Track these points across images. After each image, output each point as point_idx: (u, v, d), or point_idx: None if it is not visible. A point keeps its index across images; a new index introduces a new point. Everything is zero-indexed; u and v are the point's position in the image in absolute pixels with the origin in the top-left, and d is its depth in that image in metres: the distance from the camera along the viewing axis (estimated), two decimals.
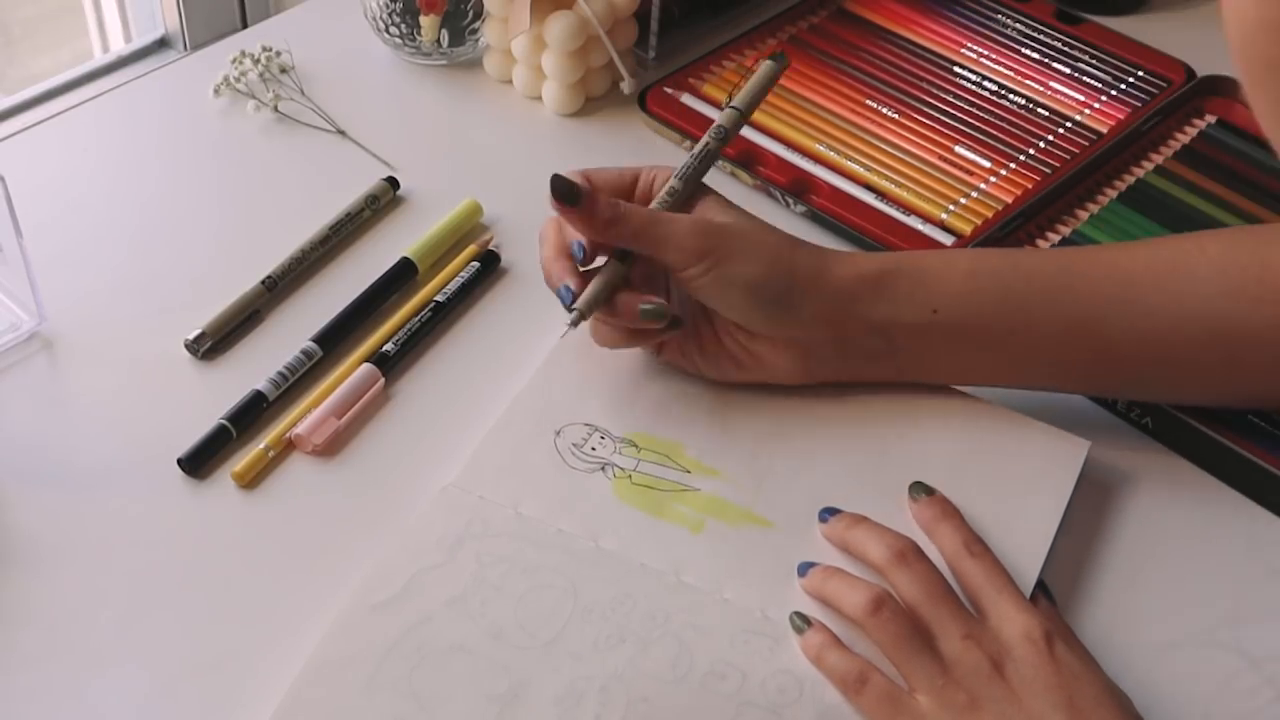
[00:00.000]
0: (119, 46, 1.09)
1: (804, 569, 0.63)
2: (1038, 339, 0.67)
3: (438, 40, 0.93)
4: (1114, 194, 0.86)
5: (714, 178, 0.87)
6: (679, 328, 0.68)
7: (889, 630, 0.59)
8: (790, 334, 0.67)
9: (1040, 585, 0.63)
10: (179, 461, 0.68)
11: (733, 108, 0.70)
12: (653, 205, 0.67)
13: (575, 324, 0.65)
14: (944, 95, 0.92)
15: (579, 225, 0.66)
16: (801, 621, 0.61)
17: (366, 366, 0.73)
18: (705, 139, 0.69)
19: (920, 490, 0.66)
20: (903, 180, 0.85)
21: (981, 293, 0.67)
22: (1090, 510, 0.68)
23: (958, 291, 0.67)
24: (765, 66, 0.70)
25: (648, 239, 0.65)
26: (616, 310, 0.66)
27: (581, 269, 0.67)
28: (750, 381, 0.70)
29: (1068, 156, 0.88)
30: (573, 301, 0.65)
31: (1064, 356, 0.68)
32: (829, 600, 0.62)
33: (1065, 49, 0.97)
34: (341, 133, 0.89)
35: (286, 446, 0.69)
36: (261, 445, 0.69)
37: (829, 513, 0.65)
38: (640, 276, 0.68)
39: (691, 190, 0.68)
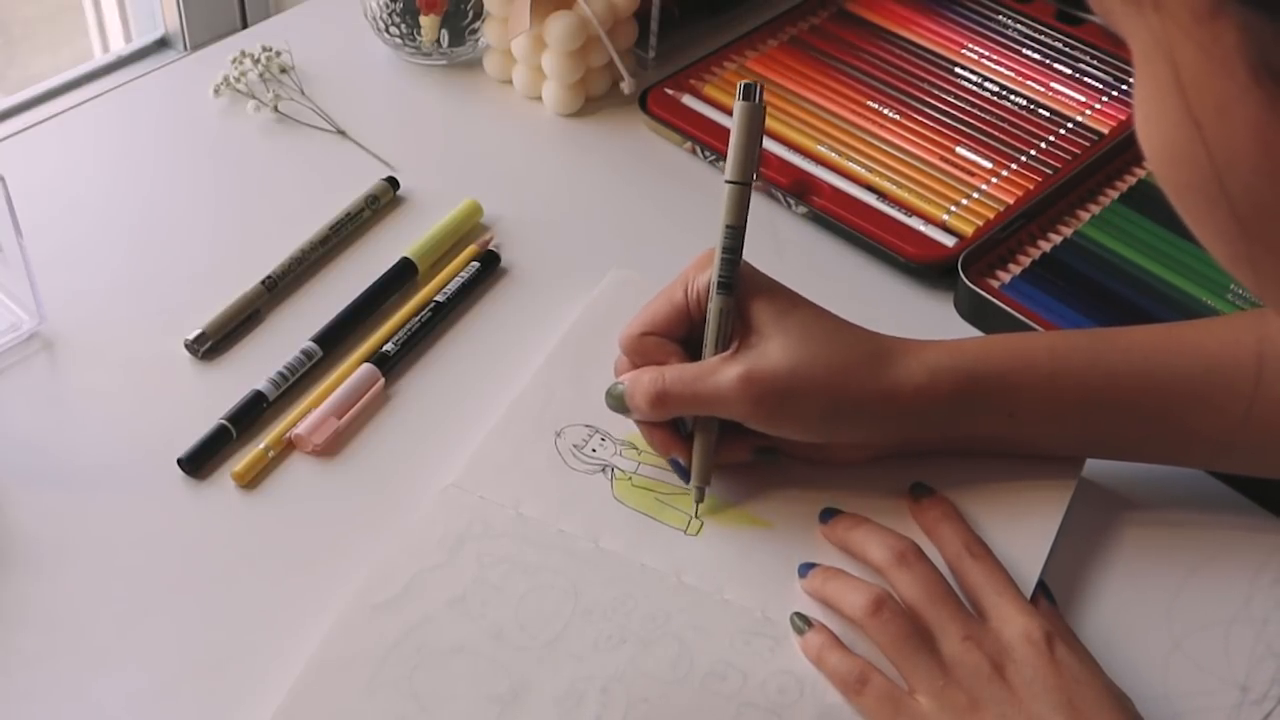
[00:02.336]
0: (119, 46, 1.09)
1: (804, 570, 0.63)
2: (1116, 433, 0.66)
3: (438, 40, 0.93)
4: (1115, 195, 0.86)
5: (715, 179, 0.87)
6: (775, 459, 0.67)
7: (889, 631, 0.59)
8: (858, 446, 0.67)
9: (1041, 586, 0.63)
10: (179, 461, 0.68)
11: (731, 182, 0.64)
12: (710, 328, 0.64)
13: (701, 499, 0.66)
14: (945, 96, 0.92)
15: (638, 424, 0.66)
16: (802, 622, 0.61)
17: (366, 366, 0.73)
18: (722, 240, 0.63)
19: (921, 491, 0.66)
20: (904, 181, 0.85)
21: (1062, 398, 0.65)
22: (1090, 511, 0.68)
23: (1036, 398, 0.64)
24: (740, 111, 0.63)
25: (699, 404, 0.63)
26: (727, 458, 0.66)
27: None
28: (821, 464, 0.68)
29: (1069, 157, 0.88)
30: (687, 478, 0.65)
31: (1142, 445, 0.67)
32: (829, 601, 0.62)
33: (1066, 49, 0.97)
34: (341, 133, 0.89)
35: (286, 446, 0.69)
36: (261, 445, 0.68)
37: (829, 514, 0.65)
38: None
39: (739, 291, 0.64)
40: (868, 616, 0.59)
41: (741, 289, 0.64)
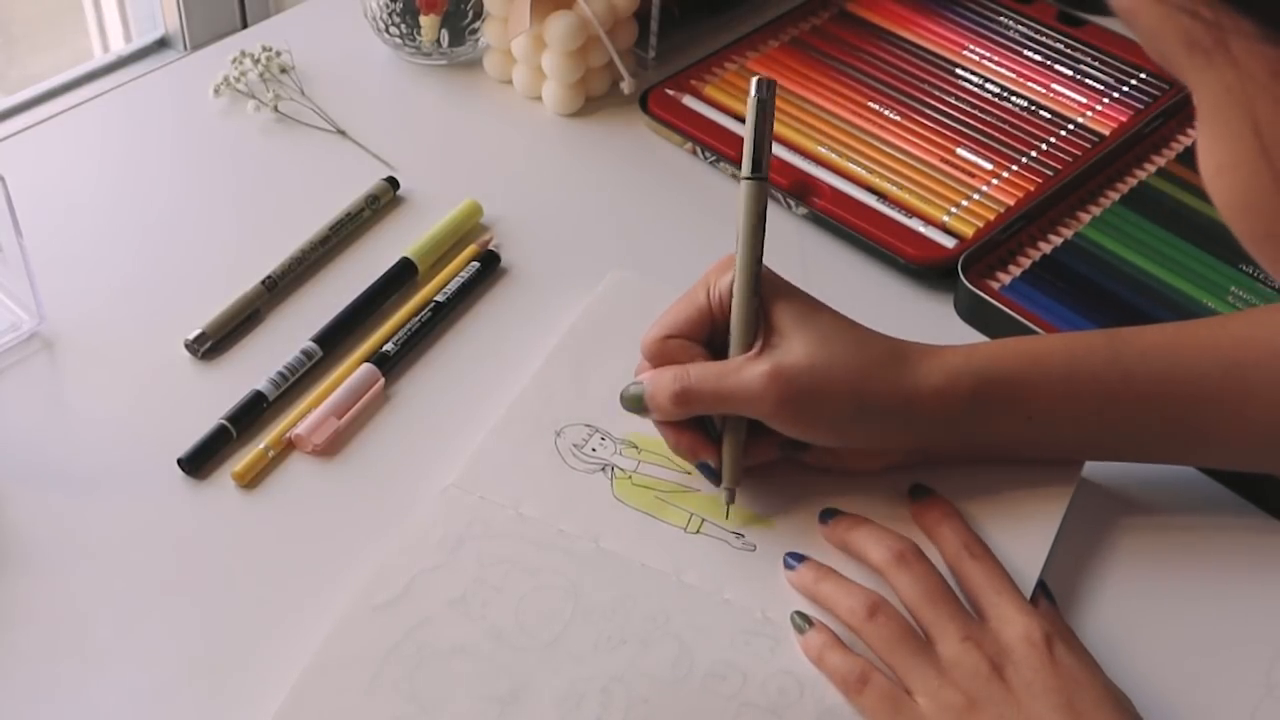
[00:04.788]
0: (119, 46, 1.09)
1: (792, 562, 0.63)
2: (1134, 436, 0.66)
3: (438, 40, 0.93)
4: (1116, 196, 0.86)
5: (715, 180, 0.87)
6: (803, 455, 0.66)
7: (884, 635, 0.59)
8: (875, 453, 0.66)
9: (1041, 586, 0.63)
10: (179, 461, 0.68)
11: (751, 179, 0.64)
12: (735, 329, 0.63)
13: (732, 501, 0.65)
14: (946, 97, 0.92)
15: (657, 424, 0.65)
16: (803, 621, 0.61)
17: (366, 366, 0.73)
18: (745, 242, 0.63)
19: (921, 492, 0.66)
20: (904, 183, 0.85)
21: (1079, 401, 0.64)
22: (1089, 513, 0.68)
23: (1054, 400, 0.64)
24: (753, 105, 0.63)
25: (723, 402, 0.63)
26: (756, 458, 0.65)
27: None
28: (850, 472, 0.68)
29: (1070, 159, 0.88)
30: (718, 480, 0.65)
31: (1161, 447, 0.67)
32: (823, 603, 0.61)
33: (1067, 51, 0.97)
34: (341, 133, 0.89)
35: (286, 446, 0.69)
36: (261, 445, 0.68)
37: (829, 514, 0.65)
38: None
39: (764, 296, 0.64)
40: (862, 622, 0.59)
41: (763, 292, 0.64)
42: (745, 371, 0.62)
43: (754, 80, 0.63)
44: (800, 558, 0.63)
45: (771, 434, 0.64)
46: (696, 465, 0.65)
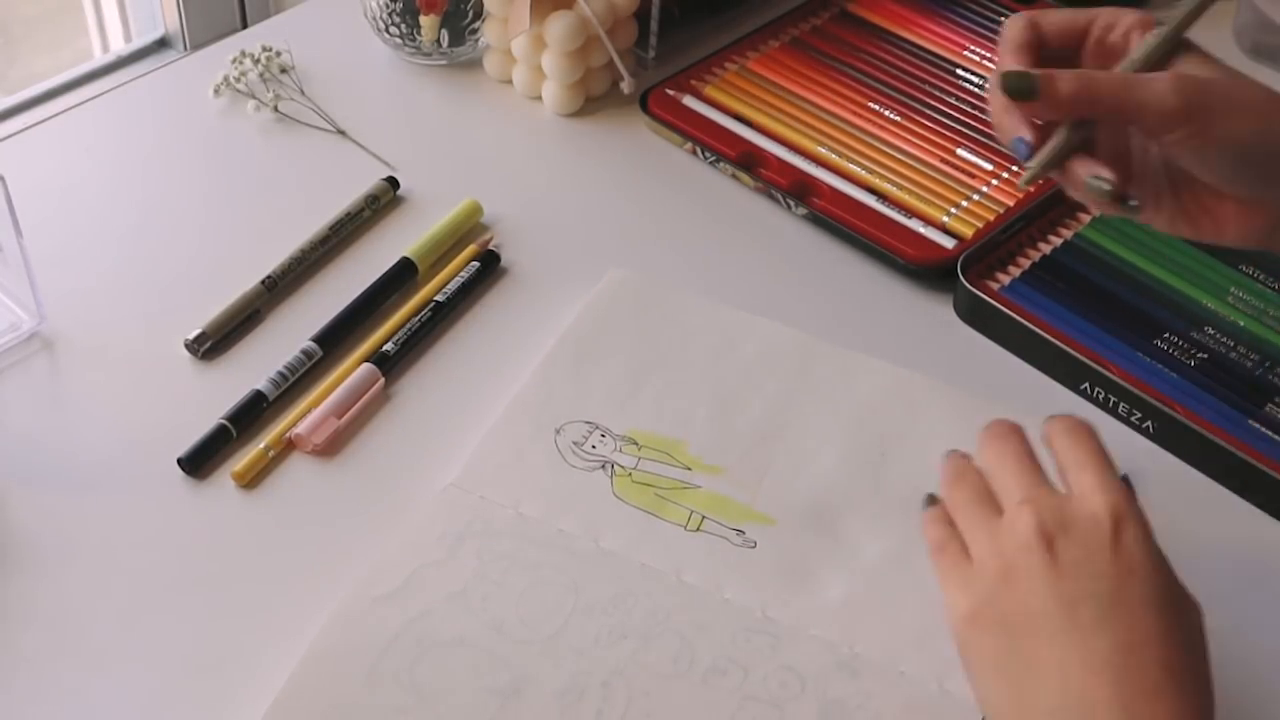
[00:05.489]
0: (119, 46, 1.09)
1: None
2: None
3: (438, 40, 0.93)
4: None
5: (715, 180, 0.87)
6: (1134, 210, 0.61)
7: (957, 499, 0.57)
8: (1271, 200, 0.60)
9: (1124, 480, 0.57)
10: (179, 461, 0.68)
11: None
12: (1129, 61, 0.60)
13: (1027, 183, 0.60)
14: (946, 98, 0.92)
15: (1040, 112, 0.59)
16: (929, 500, 0.59)
17: (366, 366, 0.73)
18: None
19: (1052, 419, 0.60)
20: (904, 183, 0.85)
21: None
22: None
23: None
24: None
25: (1123, 106, 0.58)
26: (1067, 177, 0.60)
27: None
28: (1198, 239, 0.63)
29: None
30: (1029, 157, 0.59)
31: None
32: (941, 474, 0.59)
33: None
34: (341, 133, 0.89)
35: (286, 446, 0.69)
36: (261, 445, 0.68)
37: (930, 500, 0.61)
38: (1107, 138, 0.62)
39: (1170, 48, 0.60)
40: (946, 487, 0.58)
41: (1175, 47, 0.60)
42: (1153, 81, 0.57)
43: None
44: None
45: (1094, 167, 0.59)
46: (1011, 142, 0.60)
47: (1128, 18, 0.61)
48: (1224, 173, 0.59)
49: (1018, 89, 0.58)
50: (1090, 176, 0.59)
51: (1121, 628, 0.51)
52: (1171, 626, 0.51)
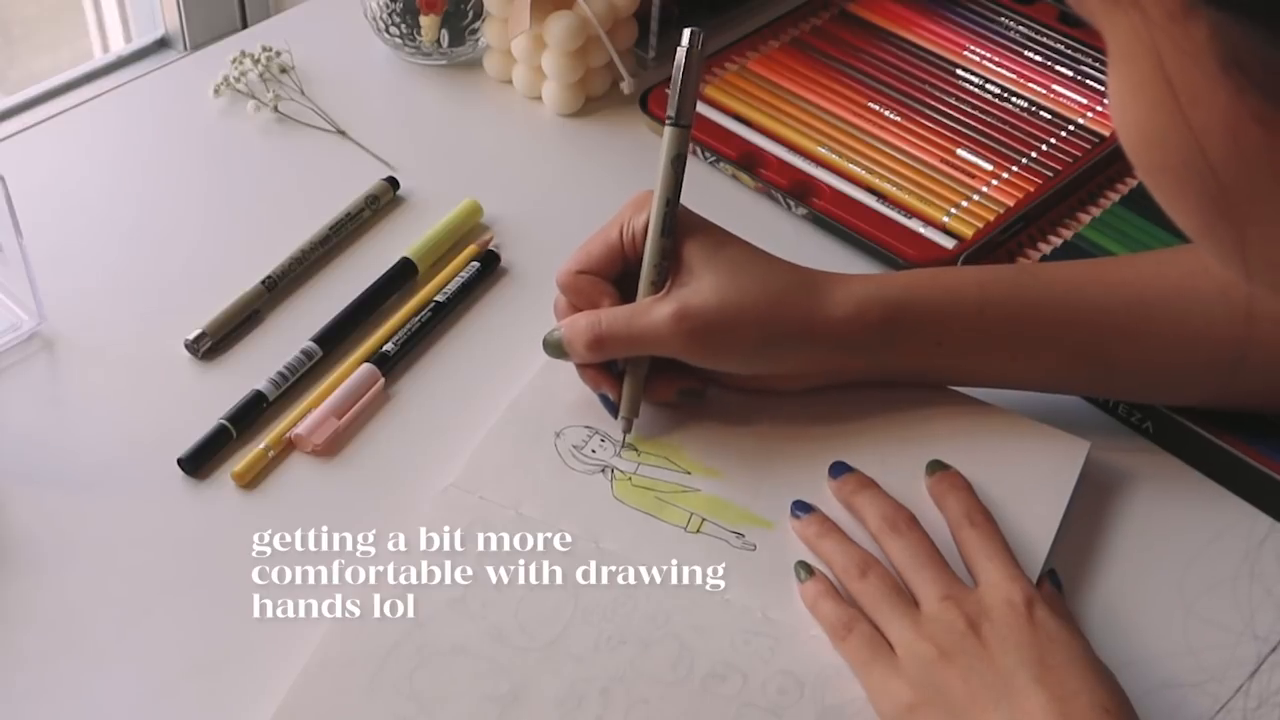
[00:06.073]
0: (119, 46, 1.09)
1: (799, 512, 0.65)
2: (1041, 364, 0.69)
3: (438, 40, 0.93)
4: (1116, 197, 0.86)
5: (715, 180, 0.87)
6: (699, 398, 0.69)
7: (872, 593, 0.60)
8: (791, 376, 0.69)
9: (1050, 574, 0.63)
10: (179, 461, 0.68)
11: (674, 125, 0.66)
12: (645, 268, 0.67)
13: (628, 430, 0.68)
14: (946, 98, 0.92)
15: (577, 368, 0.69)
16: (804, 571, 0.63)
17: (366, 366, 0.73)
18: (662, 183, 0.66)
19: (935, 467, 0.67)
20: (904, 183, 0.85)
21: (988, 330, 0.67)
22: (1089, 513, 0.68)
23: (964, 329, 0.67)
24: (680, 55, 0.65)
25: (635, 344, 0.66)
26: (654, 397, 0.68)
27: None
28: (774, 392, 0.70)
29: (1070, 160, 0.88)
30: (615, 412, 0.68)
31: (1067, 376, 0.70)
32: (822, 557, 0.63)
33: (1068, 52, 0.96)
34: (341, 133, 0.89)
35: (286, 446, 0.69)
36: (261, 445, 0.68)
37: (840, 469, 0.67)
38: None
39: (676, 234, 0.67)
40: (855, 579, 0.61)
41: (677, 231, 0.67)
42: (653, 313, 0.65)
43: (686, 31, 0.65)
44: (807, 508, 0.65)
45: (672, 375, 0.67)
46: (598, 397, 0.69)
47: (640, 215, 0.67)
48: (736, 371, 0.68)
49: (553, 351, 0.68)
50: (679, 390, 0.68)
51: (1053, 683, 0.55)
52: (1100, 676, 0.56)
